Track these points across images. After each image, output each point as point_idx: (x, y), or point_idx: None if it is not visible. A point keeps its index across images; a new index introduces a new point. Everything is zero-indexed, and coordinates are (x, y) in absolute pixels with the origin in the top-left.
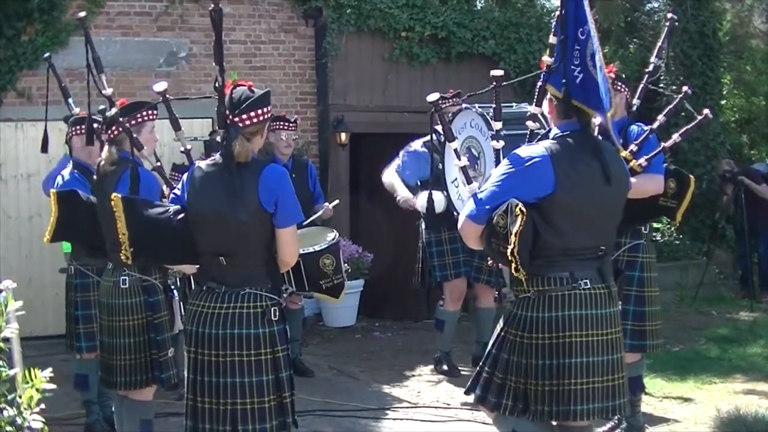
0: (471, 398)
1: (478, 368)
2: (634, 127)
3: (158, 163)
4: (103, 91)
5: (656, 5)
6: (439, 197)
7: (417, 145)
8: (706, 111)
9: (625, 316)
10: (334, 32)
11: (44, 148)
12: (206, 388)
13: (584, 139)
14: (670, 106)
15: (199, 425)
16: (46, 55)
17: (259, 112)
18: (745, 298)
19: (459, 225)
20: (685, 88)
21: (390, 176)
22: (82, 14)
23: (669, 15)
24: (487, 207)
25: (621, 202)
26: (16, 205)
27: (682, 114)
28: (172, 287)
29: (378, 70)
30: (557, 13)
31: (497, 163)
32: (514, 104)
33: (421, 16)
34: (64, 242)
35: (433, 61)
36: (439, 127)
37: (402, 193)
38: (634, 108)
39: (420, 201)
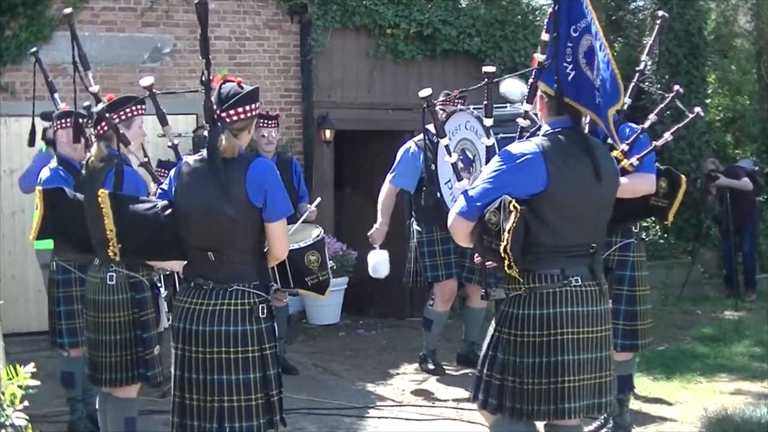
0: (476, 405)
1: (477, 374)
2: (627, 127)
3: (145, 159)
4: (90, 88)
5: (641, 3)
6: (378, 259)
7: (408, 148)
8: (697, 109)
9: (616, 315)
10: (319, 29)
11: (31, 141)
12: (193, 384)
13: (575, 135)
14: (662, 105)
15: (186, 422)
16: (33, 49)
17: (247, 108)
18: (730, 298)
19: (449, 222)
20: (676, 87)
21: (381, 196)
22: (68, 10)
23: (660, 13)
24: (478, 204)
25: (612, 198)
26: None
27: (668, 113)
28: (158, 284)
29: (363, 67)
30: (550, 10)
31: (488, 160)
32: (508, 105)
33: (406, 13)
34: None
35: (418, 58)
36: (431, 126)
37: (378, 224)
38: (625, 107)
39: (370, 259)
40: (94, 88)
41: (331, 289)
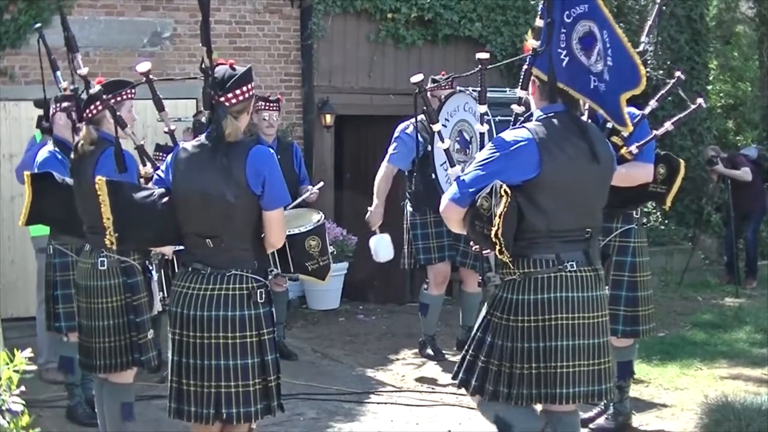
0: (456, 383)
1: (463, 353)
2: (629, 111)
3: (141, 142)
4: (78, 71)
5: None
6: (379, 243)
7: (406, 127)
8: (699, 100)
9: (617, 301)
10: (319, 13)
11: (46, 118)
12: (191, 370)
13: (569, 119)
14: (663, 91)
15: (183, 407)
16: (37, 25)
17: (244, 89)
18: (730, 284)
19: (441, 208)
20: (677, 73)
21: (378, 177)
22: None
23: None
24: (471, 190)
25: (607, 181)
26: None
27: (669, 98)
28: (150, 268)
29: (363, 51)
30: None
31: (482, 146)
32: (507, 89)
33: None
34: (32, 226)
35: (419, 43)
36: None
37: (373, 206)
38: None
39: (371, 243)
40: (83, 71)
41: (331, 274)
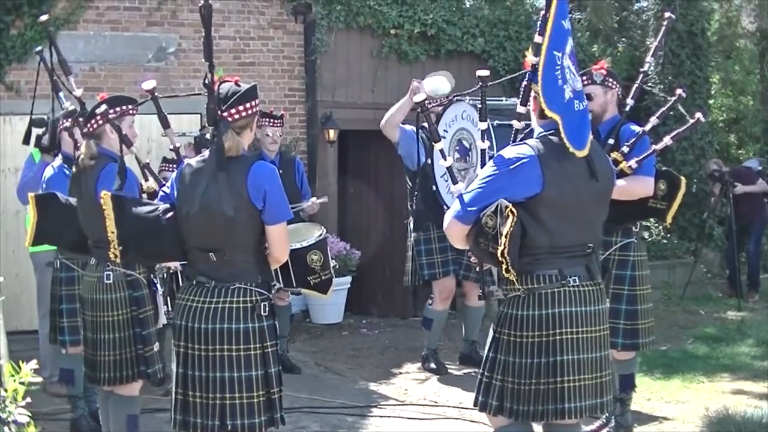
0: (478, 408)
1: (479, 376)
2: (628, 129)
3: (147, 161)
4: (73, 93)
5: (645, 4)
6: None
7: (408, 128)
8: (698, 114)
9: (617, 315)
10: (323, 29)
11: (26, 140)
12: (195, 382)
13: None
14: (664, 108)
15: (188, 419)
16: (38, 49)
17: (247, 105)
18: (732, 298)
19: (445, 225)
20: (679, 91)
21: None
22: (44, 17)
23: (666, 14)
24: (474, 208)
25: (607, 197)
26: (3, 199)
27: (671, 113)
28: (156, 281)
29: (367, 67)
30: (542, 13)
31: (483, 163)
32: (503, 98)
33: (410, 13)
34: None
35: (422, 58)
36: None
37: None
38: (628, 108)
39: (428, 86)
40: (78, 92)
41: (334, 288)
